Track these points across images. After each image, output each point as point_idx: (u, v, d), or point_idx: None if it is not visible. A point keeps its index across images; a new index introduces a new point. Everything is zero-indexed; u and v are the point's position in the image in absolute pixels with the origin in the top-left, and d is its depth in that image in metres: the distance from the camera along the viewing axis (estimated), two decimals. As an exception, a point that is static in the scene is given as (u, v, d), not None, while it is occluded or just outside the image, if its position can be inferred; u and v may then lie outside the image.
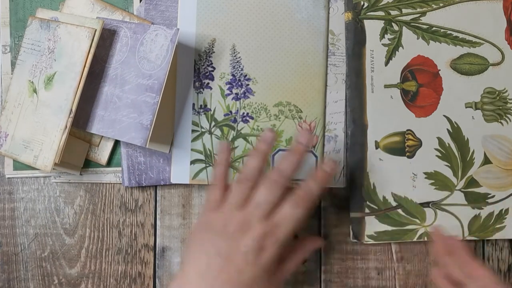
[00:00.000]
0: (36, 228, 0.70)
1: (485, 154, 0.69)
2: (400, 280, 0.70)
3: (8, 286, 0.70)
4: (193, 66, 0.68)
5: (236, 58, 0.68)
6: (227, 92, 0.68)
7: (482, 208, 0.68)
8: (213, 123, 0.68)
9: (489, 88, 0.69)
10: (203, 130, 0.68)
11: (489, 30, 0.69)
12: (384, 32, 0.69)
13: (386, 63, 0.68)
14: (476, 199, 0.69)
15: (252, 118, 0.68)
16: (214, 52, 0.68)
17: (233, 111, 0.68)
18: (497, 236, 0.69)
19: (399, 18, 0.69)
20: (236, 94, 0.68)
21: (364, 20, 0.69)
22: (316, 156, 0.69)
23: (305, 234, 0.68)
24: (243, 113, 0.69)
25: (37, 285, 0.70)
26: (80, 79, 0.63)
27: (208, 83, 0.68)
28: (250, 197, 0.58)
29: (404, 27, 0.69)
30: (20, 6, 0.71)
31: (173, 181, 0.68)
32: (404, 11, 0.69)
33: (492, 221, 0.68)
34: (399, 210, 0.68)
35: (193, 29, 0.68)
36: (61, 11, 0.69)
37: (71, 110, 0.63)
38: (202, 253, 0.57)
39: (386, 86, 0.68)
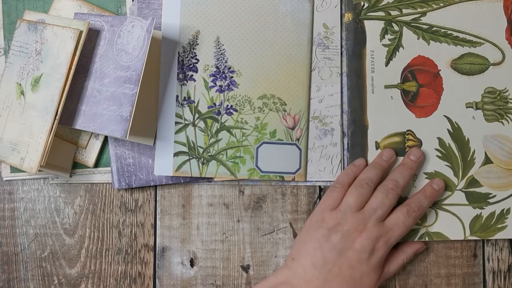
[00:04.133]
0: (36, 228, 0.63)
1: (486, 154, 0.62)
2: (400, 280, 0.63)
3: (8, 286, 0.63)
4: (176, 58, 0.62)
5: (220, 50, 0.62)
6: (211, 84, 0.62)
7: (484, 208, 0.62)
8: (196, 115, 0.63)
9: (490, 87, 0.63)
10: (186, 122, 0.62)
11: (490, 29, 0.63)
12: (384, 32, 0.62)
13: (387, 64, 0.62)
14: (477, 199, 0.62)
15: (236, 110, 0.63)
16: (198, 44, 0.62)
17: (217, 104, 0.63)
18: (498, 236, 0.62)
19: (399, 18, 0.62)
20: (220, 86, 0.63)
21: (364, 21, 0.62)
22: (300, 149, 0.63)
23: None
24: (227, 105, 0.63)
25: (37, 285, 0.63)
26: (66, 81, 0.56)
27: (192, 75, 0.62)
28: (366, 201, 0.58)
29: (404, 27, 0.62)
30: (13, 9, 0.64)
31: (156, 173, 0.62)
32: (405, 11, 0.62)
33: (493, 221, 0.62)
34: None
35: (177, 21, 0.62)
36: (48, 13, 0.62)
37: (57, 111, 0.56)
38: (317, 248, 0.56)
39: (386, 87, 0.62)
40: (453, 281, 0.64)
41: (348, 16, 0.63)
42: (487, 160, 0.63)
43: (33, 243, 0.64)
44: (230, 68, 0.62)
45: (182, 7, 0.62)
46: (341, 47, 0.64)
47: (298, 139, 0.63)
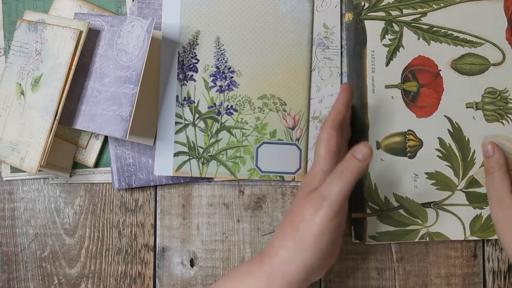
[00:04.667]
0: (36, 228, 0.63)
1: None
2: (400, 280, 0.63)
3: (8, 286, 0.63)
4: (177, 58, 0.62)
5: (220, 50, 0.62)
6: (211, 84, 0.62)
7: (483, 208, 0.62)
8: (196, 115, 0.62)
9: (490, 88, 0.62)
10: (186, 122, 0.62)
11: (490, 30, 0.62)
12: (384, 32, 0.62)
13: (387, 64, 0.62)
14: (477, 199, 0.62)
15: (236, 110, 0.62)
16: (198, 44, 0.62)
17: (217, 104, 0.62)
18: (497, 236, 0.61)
19: (399, 18, 0.62)
20: (220, 86, 0.62)
21: (365, 21, 0.62)
22: (300, 149, 0.63)
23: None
24: (227, 105, 0.62)
25: (37, 285, 0.63)
26: (66, 80, 0.56)
27: (192, 75, 0.62)
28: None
29: (404, 28, 0.62)
30: (13, 9, 0.63)
31: (156, 173, 0.62)
32: (405, 11, 0.62)
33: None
34: (401, 211, 0.62)
35: (177, 21, 0.62)
36: (48, 13, 0.62)
37: (57, 111, 0.56)
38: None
39: (387, 87, 0.62)
40: (453, 281, 0.64)
41: (348, 16, 0.63)
42: None
43: (33, 243, 0.64)
44: (230, 68, 0.62)
45: (182, 7, 0.62)
46: (341, 47, 0.64)
47: (298, 139, 0.63)
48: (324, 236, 0.49)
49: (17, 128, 0.58)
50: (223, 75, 0.62)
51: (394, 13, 0.63)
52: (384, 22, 0.62)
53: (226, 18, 0.62)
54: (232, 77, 0.62)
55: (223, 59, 0.62)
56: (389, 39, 0.62)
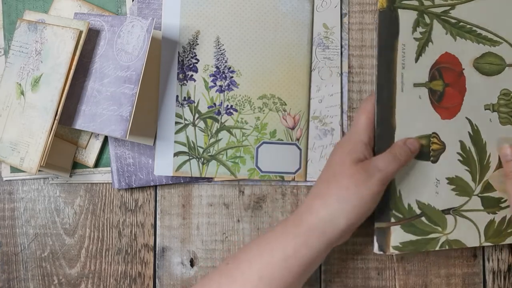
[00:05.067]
0: (36, 228, 0.63)
1: (499, 157, 0.59)
2: (400, 280, 0.63)
3: (8, 286, 0.63)
4: (176, 58, 0.62)
5: (220, 50, 0.62)
6: (211, 84, 0.62)
7: (496, 213, 0.59)
8: (196, 115, 0.62)
9: (505, 89, 0.59)
10: (186, 122, 0.62)
11: (507, 28, 0.60)
12: (416, 24, 0.57)
13: (416, 59, 0.57)
14: (491, 204, 0.60)
15: (236, 110, 0.62)
16: (198, 44, 0.62)
17: (217, 104, 0.62)
18: (509, 240, 0.60)
19: (431, 9, 0.58)
20: (220, 86, 0.62)
21: (398, 10, 0.57)
22: (300, 149, 0.63)
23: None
24: (227, 105, 0.62)
25: (37, 285, 0.63)
26: (66, 80, 0.56)
27: (192, 75, 0.62)
28: None
29: (435, 20, 0.57)
30: (13, 9, 0.63)
31: (156, 173, 0.62)
32: (436, 1, 0.58)
33: (504, 225, 0.60)
34: (423, 218, 0.58)
35: (177, 21, 0.62)
36: (48, 13, 0.62)
37: (57, 111, 0.56)
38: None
39: (415, 85, 0.57)
40: (453, 281, 0.64)
41: (381, 2, 0.57)
42: (501, 164, 0.60)
43: (33, 243, 0.64)
44: (230, 68, 0.62)
45: (182, 7, 0.62)
46: (341, 47, 0.64)
47: (298, 139, 0.63)
48: (369, 202, 0.53)
49: (17, 128, 0.58)
50: (223, 75, 0.62)
51: (426, 2, 0.58)
52: (416, 12, 0.58)
53: (226, 18, 0.62)
54: (232, 77, 0.62)
55: (223, 59, 0.62)
56: (420, 32, 0.57)
